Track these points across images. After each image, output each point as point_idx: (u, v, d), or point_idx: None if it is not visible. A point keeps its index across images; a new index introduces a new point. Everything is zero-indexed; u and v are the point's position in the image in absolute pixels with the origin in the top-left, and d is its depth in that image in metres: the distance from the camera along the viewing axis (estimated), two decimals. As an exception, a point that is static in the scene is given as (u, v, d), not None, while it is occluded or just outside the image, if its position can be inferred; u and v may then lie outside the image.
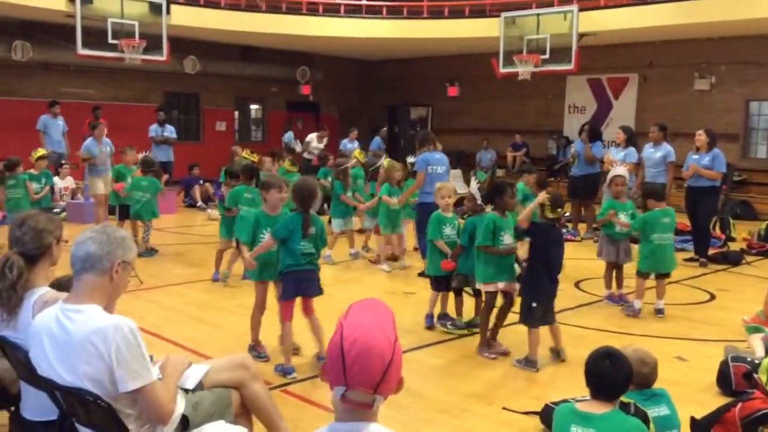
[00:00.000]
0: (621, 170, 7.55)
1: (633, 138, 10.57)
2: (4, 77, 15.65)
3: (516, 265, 5.51)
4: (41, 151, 10.42)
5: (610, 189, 7.41)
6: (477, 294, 5.95)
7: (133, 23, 13.57)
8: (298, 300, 5.12)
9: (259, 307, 5.39)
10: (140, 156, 10.44)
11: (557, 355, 5.38)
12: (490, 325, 5.54)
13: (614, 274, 7.21)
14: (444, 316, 6.20)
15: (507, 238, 5.44)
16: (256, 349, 5.35)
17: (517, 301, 5.48)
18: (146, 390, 2.50)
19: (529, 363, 5.21)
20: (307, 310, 5.15)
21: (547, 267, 5.22)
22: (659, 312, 6.66)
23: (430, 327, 6.15)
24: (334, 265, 8.78)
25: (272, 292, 5.41)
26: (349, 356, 1.69)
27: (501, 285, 5.46)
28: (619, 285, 7.22)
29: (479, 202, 5.90)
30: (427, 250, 6.47)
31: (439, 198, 6.36)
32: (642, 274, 6.78)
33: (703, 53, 15.84)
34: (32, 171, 10.13)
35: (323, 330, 5.04)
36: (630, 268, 7.22)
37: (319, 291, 5.15)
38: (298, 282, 5.03)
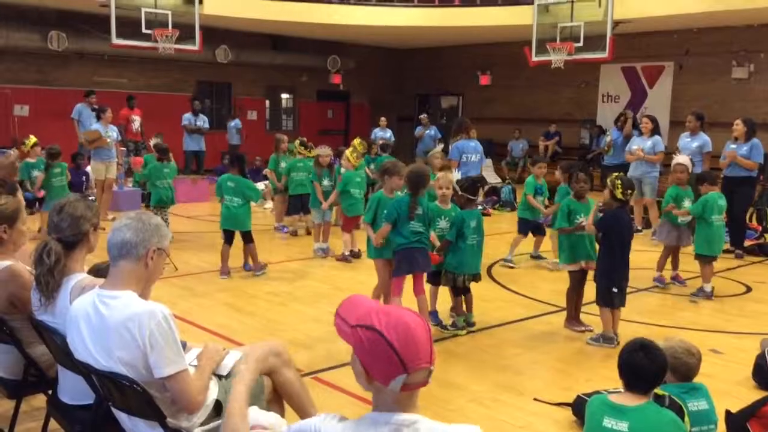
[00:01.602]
0: (682, 158, 7.74)
1: (658, 127, 10.50)
2: (41, 67, 15.92)
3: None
4: (33, 139, 10.21)
5: (673, 177, 7.66)
6: (466, 291, 5.84)
7: (166, 13, 13.66)
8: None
9: (382, 285, 5.65)
10: (152, 143, 10.46)
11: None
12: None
13: (670, 257, 7.52)
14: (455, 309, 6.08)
15: (583, 222, 5.69)
16: None
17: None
18: (178, 377, 2.52)
19: (607, 339, 5.43)
20: (418, 289, 5.43)
21: (621, 250, 5.42)
22: (711, 295, 6.98)
23: (436, 325, 5.85)
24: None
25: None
26: (399, 342, 1.64)
27: (583, 264, 5.80)
28: (675, 266, 7.49)
29: (460, 193, 5.86)
30: None
31: (437, 188, 6.12)
32: (705, 258, 7.04)
33: (741, 41, 15.49)
34: (29, 159, 9.88)
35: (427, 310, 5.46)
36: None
37: (429, 267, 5.48)
38: (410, 258, 5.35)
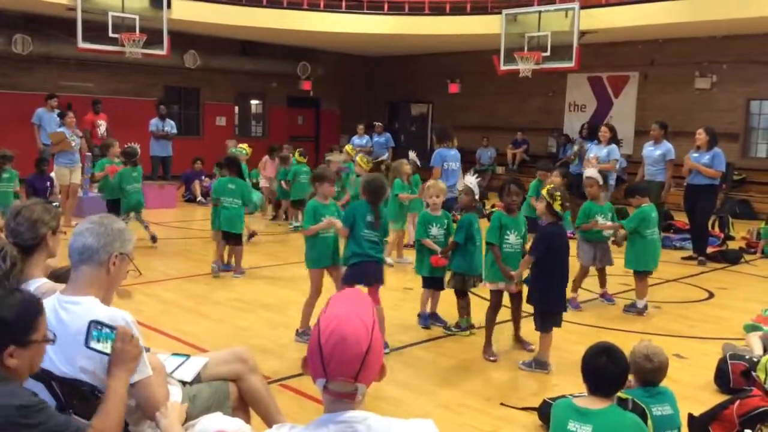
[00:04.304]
0: (591, 172, 7.23)
1: (616, 136, 10.61)
2: (5, 70, 15.65)
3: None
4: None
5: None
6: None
7: (133, 17, 13.55)
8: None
9: (315, 294, 5.51)
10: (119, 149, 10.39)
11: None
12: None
13: (597, 274, 7.05)
14: (433, 316, 6.10)
15: (513, 238, 5.34)
16: (306, 333, 5.35)
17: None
18: (142, 384, 2.49)
19: (541, 365, 5.05)
20: (374, 300, 5.08)
21: (560, 270, 5.04)
22: (645, 310, 6.65)
23: (425, 327, 6.01)
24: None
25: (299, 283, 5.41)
26: (326, 348, 1.69)
27: (502, 285, 5.38)
28: (602, 284, 7.07)
29: (476, 197, 5.79)
30: (416, 250, 6.30)
31: (428, 197, 6.18)
32: (641, 273, 6.69)
33: (704, 52, 15.82)
34: None
35: (385, 321, 5.08)
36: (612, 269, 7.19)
37: (381, 281, 5.31)
38: (362, 271, 5.21)
